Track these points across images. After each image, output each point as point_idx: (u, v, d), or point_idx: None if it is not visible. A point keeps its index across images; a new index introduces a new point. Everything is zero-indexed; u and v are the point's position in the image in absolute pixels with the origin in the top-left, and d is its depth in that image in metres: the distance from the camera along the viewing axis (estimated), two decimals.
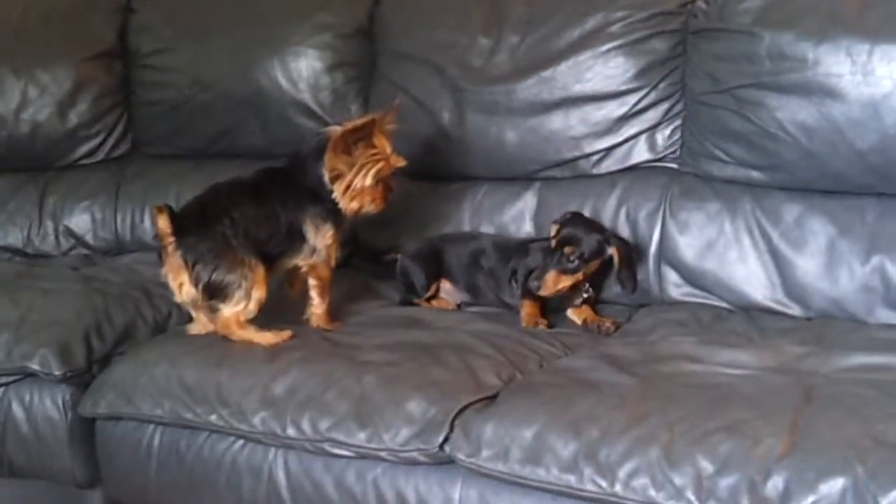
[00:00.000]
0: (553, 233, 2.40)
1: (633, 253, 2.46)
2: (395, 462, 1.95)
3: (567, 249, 2.35)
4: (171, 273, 2.23)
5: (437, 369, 2.08)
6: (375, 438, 1.96)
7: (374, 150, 2.29)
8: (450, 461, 1.91)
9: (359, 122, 2.29)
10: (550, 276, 2.36)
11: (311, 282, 2.35)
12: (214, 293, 2.22)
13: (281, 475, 2.07)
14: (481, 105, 2.66)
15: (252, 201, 2.27)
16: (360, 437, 1.97)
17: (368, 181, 2.29)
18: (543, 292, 2.36)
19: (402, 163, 2.34)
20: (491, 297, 2.53)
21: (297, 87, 2.94)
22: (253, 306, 2.23)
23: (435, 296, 2.57)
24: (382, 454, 1.95)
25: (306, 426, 2.02)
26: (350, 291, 2.59)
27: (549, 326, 2.39)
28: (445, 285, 2.58)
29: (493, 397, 1.98)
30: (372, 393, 2.02)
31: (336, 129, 2.30)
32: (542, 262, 2.38)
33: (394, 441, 1.94)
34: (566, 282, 2.37)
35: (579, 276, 2.38)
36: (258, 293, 2.23)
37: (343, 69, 2.94)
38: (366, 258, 2.76)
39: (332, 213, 2.31)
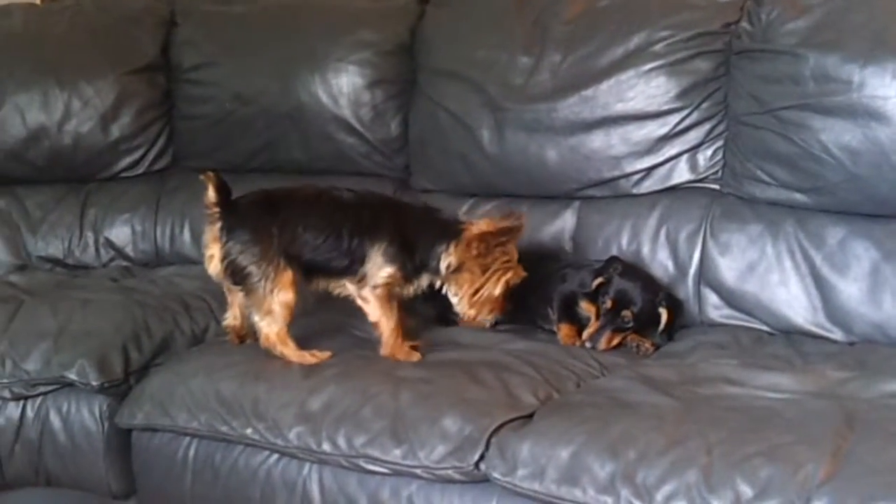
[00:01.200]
0: (596, 284, 2.38)
1: (680, 311, 2.45)
2: (430, 479, 1.94)
3: (625, 314, 2.35)
4: (208, 241, 2.26)
5: (473, 387, 2.07)
6: (410, 455, 1.95)
7: (507, 257, 2.24)
8: (485, 479, 1.90)
9: (505, 224, 2.22)
10: (606, 336, 2.36)
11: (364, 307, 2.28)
12: (237, 276, 2.22)
13: (315, 490, 2.06)
14: (521, 123, 2.66)
15: (325, 217, 2.24)
16: (396, 454, 1.96)
17: (498, 290, 2.25)
18: (597, 349, 2.35)
19: (524, 274, 2.28)
20: (524, 318, 2.52)
21: (338, 103, 2.95)
22: (279, 308, 2.20)
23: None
24: (417, 471, 1.94)
25: (342, 442, 2.02)
26: None
27: (582, 346, 2.37)
28: None
29: (530, 416, 1.97)
30: (408, 409, 2.01)
31: (477, 225, 2.23)
32: (602, 323, 2.36)
33: (429, 458, 1.93)
34: (619, 338, 2.37)
35: (631, 333, 2.38)
36: (284, 295, 2.20)
37: (383, 86, 2.94)
38: None
39: (402, 259, 2.23)
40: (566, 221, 2.67)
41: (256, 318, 2.24)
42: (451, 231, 2.23)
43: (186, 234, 3.07)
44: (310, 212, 2.24)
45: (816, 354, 2.23)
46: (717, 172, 2.54)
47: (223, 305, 2.40)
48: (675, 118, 2.53)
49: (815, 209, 2.39)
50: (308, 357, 2.24)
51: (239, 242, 2.20)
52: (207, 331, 2.54)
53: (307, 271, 2.24)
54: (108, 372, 2.31)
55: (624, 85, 2.55)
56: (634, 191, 2.60)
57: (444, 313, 2.53)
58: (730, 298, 2.46)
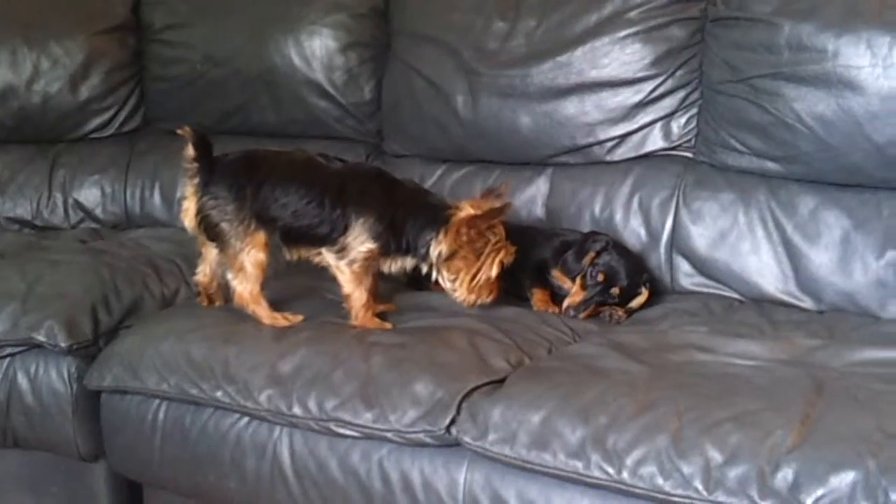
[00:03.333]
0: (588, 260, 2.39)
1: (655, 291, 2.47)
2: (400, 443, 1.94)
3: (614, 290, 2.36)
4: (185, 195, 2.26)
5: (445, 351, 2.07)
6: (382, 419, 1.95)
7: (497, 238, 2.23)
8: (456, 444, 1.90)
9: (492, 205, 2.20)
10: (591, 309, 2.37)
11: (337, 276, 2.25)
12: (210, 232, 2.22)
13: (285, 454, 2.06)
14: (496, 89, 2.64)
15: (307, 183, 2.20)
16: (367, 418, 1.96)
17: (494, 272, 2.23)
18: (578, 318, 2.36)
19: (514, 251, 2.26)
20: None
21: (311, 66, 2.92)
22: (250, 268, 2.19)
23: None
24: (388, 435, 1.94)
25: (312, 405, 2.01)
26: None
27: (561, 312, 2.38)
28: None
29: (501, 381, 1.97)
30: (379, 374, 2.00)
31: (464, 209, 2.21)
32: (589, 295, 2.37)
33: (400, 422, 1.93)
34: (599, 309, 2.38)
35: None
36: (255, 255, 2.19)
37: (357, 49, 2.92)
38: None
39: (385, 238, 2.20)
40: (539, 188, 2.67)
41: (230, 275, 2.24)
42: (439, 217, 2.21)
43: (157, 197, 3.05)
44: (291, 176, 2.22)
45: (786, 322, 2.24)
46: (690, 140, 2.54)
47: (193, 268, 2.39)
48: (649, 85, 2.53)
49: (788, 178, 2.39)
50: (280, 319, 2.23)
51: (213, 198, 2.20)
52: (178, 294, 2.52)
53: (285, 236, 2.22)
54: (77, 334, 2.29)
55: (598, 51, 2.54)
56: (608, 158, 2.59)
57: (416, 277, 2.52)
58: (701, 266, 2.46)
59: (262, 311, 2.23)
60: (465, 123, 2.70)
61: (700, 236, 2.46)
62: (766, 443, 1.66)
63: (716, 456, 1.67)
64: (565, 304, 2.39)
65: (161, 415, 2.20)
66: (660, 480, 1.69)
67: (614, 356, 2.03)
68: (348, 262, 2.21)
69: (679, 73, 2.52)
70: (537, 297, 2.42)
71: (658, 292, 2.48)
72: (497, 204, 2.20)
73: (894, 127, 2.21)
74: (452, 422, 1.90)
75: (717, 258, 2.44)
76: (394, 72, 2.85)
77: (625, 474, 1.71)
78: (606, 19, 2.55)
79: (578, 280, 2.40)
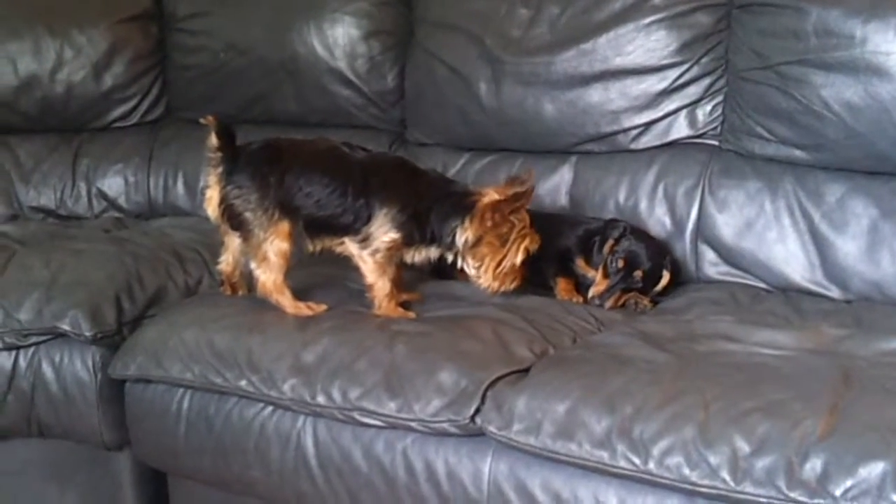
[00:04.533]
0: (608, 247, 2.38)
1: (679, 274, 2.46)
2: (425, 433, 1.93)
3: (637, 273, 2.35)
4: (209, 184, 2.24)
5: (469, 341, 2.06)
6: (406, 408, 1.94)
7: (522, 224, 2.20)
8: (480, 433, 1.89)
9: (516, 189, 2.16)
10: (616, 295, 2.35)
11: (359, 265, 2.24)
12: (233, 221, 2.21)
13: (309, 443, 2.06)
14: (519, 76, 2.63)
15: (331, 173, 2.19)
16: (391, 407, 1.95)
17: (519, 258, 2.21)
18: (605, 307, 2.35)
19: (538, 238, 2.24)
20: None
21: (333, 55, 2.92)
22: (274, 257, 2.18)
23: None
24: (413, 424, 1.94)
25: (336, 394, 2.00)
26: None
27: (586, 301, 2.37)
28: None
29: (526, 371, 1.96)
30: (403, 363, 2.00)
31: (488, 194, 2.18)
32: (613, 282, 2.36)
33: (424, 411, 1.92)
34: (625, 298, 2.37)
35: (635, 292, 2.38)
36: (279, 245, 2.17)
37: (380, 37, 2.91)
38: None
39: (409, 228, 2.19)
40: (563, 176, 2.65)
41: (253, 265, 2.23)
42: (463, 204, 2.18)
43: (180, 186, 3.06)
44: (314, 165, 2.20)
45: (814, 312, 2.22)
46: (716, 128, 2.52)
47: (216, 257, 2.38)
48: (674, 73, 2.51)
49: (815, 166, 2.37)
50: (304, 308, 2.22)
51: (237, 187, 2.18)
52: (201, 282, 2.52)
53: (308, 225, 2.21)
54: (101, 322, 2.29)
55: (623, 38, 2.52)
56: (632, 146, 2.58)
57: (440, 266, 2.51)
58: (727, 255, 2.44)
59: (286, 301, 2.22)
60: (489, 111, 2.69)
61: (726, 225, 2.44)
62: (795, 433, 1.64)
63: (743, 446, 1.65)
64: (590, 293, 2.38)
65: (185, 404, 2.20)
66: (686, 471, 1.67)
67: (639, 345, 2.02)
68: (371, 251, 2.20)
69: (704, 60, 2.50)
70: (562, 286, 2.41)
71: (683, 281, 2.47)
72: (522, 188, 2.18)
73: None
74: (477, 411, 1.88)
75: (743, 247, 2.42)
76: (416, 60, 2.84)
77: (651, 464, 1.70)
78: (631, 6, 2.53)
79: (601, 268, 2.39)
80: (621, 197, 2.56)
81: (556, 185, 2.65)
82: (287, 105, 2.99)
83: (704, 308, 2.27)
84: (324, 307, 2.24)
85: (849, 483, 1.57)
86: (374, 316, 2.21)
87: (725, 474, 1.64)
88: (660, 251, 2.42)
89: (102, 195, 3.07)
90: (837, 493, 1.57)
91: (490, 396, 1.89)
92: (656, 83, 2.52)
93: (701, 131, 2.53)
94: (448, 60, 2.74)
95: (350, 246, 2.22)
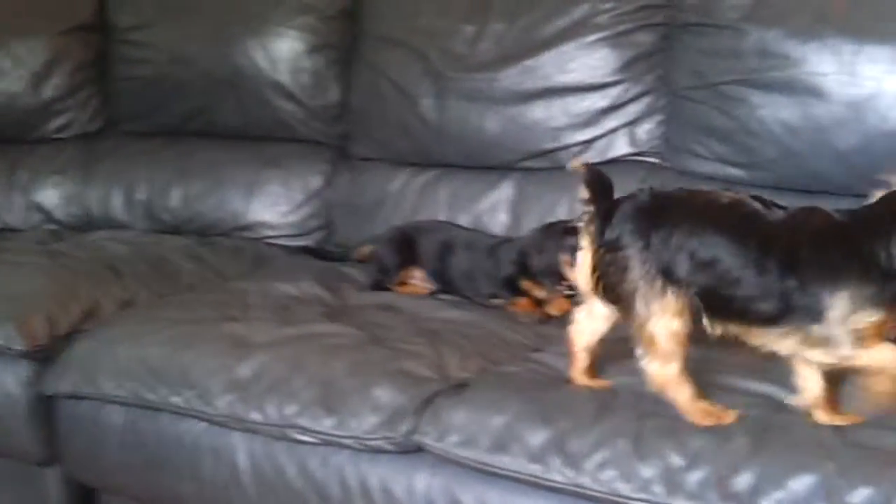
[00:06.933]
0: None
1: None
2: (360, 450, 1.92)
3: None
4: (582, 245, 1.81)
5: (408, 356, 2.04)
6: (342, 426, 1.92)
7: None
8: (416, 449, 1.88)
9: None
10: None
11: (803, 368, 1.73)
12: (608, 294, 1.78)
13: (243, 459, 2.03)
14: (463, 92, 2.63)
15: (739, 237, 1.67)
16: (327, 424, 1.93)
17: None
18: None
19: None
20: (460, 289, 2.49)
21: (277, 68, 2.90)
22: (663, 342, 1.70)
23: (406, 282, 2.53)
24: (348, 441, 1.92)
25: (272, 411, 1.98)
26: (320, 275, 2.55)
27: (544, 317, 2.34)
28: (417, 273, 2.54)
29: (464, 386, 1.95)
30: (340, 379, 1.98)
31: None
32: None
33: (360, 428, 1.90)
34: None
35: None
36: (667, 324, 1.70)
37: (324, 51, 2.89)
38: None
39: (881, 293, 1.60)
40: (504, 192, 2.65)
41: (638, 351, 1.75)
42: None
43: (118, 198, 3.01)
44: (714, 225, 1.69)
45: None
46: (656, 146, 2.52)
47: (155, 272, 2.35)
48: (615, 91, 2.52)
49: (752, 184, 2.36)
50: (713, 415, 1.73)
51: (612, 251, 1.75)
52: (136, 297, 2.47)
53: (707, 302, 1.70)
54: (33, 337, 2.25)
55: (566, 56, 2.53)
56: None
57: (378, 279, 2.51)
58: None
59: (684, 400, 1.74)
60: (432, 127, 2.69)
61: None
62: (727, 447, 1.65)
63: (677, 460, 1.65)
64: (553, 312, 2.35)
65: (118, 419, 2.17)
66: (619, 484, 1.67)
67: None
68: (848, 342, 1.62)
69: (646, 78, 2.51)
70: (521, 303, 2.39)
71: None
72: None
73: (858, 134, 2.21)
74: (413, 427, 1.87)
75: None
76: (361, 75, 2.83)
77: (585, 478, 1.70)
78: (574, 24, 2.54)
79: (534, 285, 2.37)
80: (562, 213, 2.55)
81: (497, 202, 2.65)
82: (229, 118, 2.97)
83: None
84: (733, 416, 1.73)
85: (779, 496, 1.58)
86: (310, 329, 2.17)
87: (657, 488, 1.64)
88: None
89: (38, 207, 3.02)
90: None
91: (427, 412, 1.88)
92: (598, 101, 2.53)
93: (641, 149, 2.54)
94: (392, 76, 2.73)
95: (784, 343, 1.68)
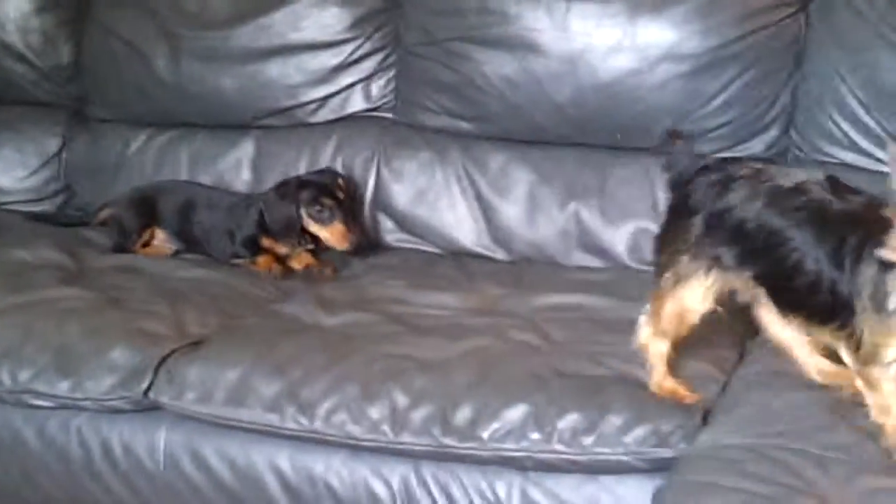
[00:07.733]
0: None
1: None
2: (98, 410, 1.93)
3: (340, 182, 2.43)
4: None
5: (146, 317, 2.06)
6: (78, 388, 1.93)
7: None
8: (155, 407, 1.91)
9: None
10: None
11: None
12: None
13: None
14: (197, 51, 2.62)
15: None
16: (62, 388, 1.94)
17: None
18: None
19: None
20: (204, 249, 2.51)
21: (5, 29, 2.80)
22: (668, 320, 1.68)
23: (149, 243, 2.52)
24: (85, 403, 1.93)
25: (4, 377, 1.97)
26: (59, 240, 2.51)
27: (286, 272, 2.40)
28: (160, 234, 2.54)
29: (201, 342, 1.99)
30: (75, 342, 1.99)
31: None
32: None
33: (97, 390, 1.92)
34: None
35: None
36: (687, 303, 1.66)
37: (54, 11, 2.81)
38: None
39: None
40: (245, 150, 2.66)
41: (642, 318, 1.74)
42: None
43: None
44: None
45: (480, 274, 2.34)
46: (389, 102, 2.60)
47: None
48: (348, 48, 2.57)
49: (480, 136, 2.50)
50: (675, 393, 1.72)
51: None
52: None
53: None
54: None
55: (298, 14, 2.56)
56: (311, 120, 2.62)
57: (119, 242, 2.49)
58: (403, 223, 2.54)
59: (657, 375, 1.74)
60: (168, 87, 2.67)
61: (400, 194, 2.53)
62: (448, 384, 1.77)
63: (402, 399, 1.76)
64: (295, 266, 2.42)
65: None
66: (350, 427, 1.77)
67: (314, 312, 2.09)
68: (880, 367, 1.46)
69: (377, 35, 2.57)
70: (261, 260, 2.43)
71: (364, 249, 2.54)
72: None
73: (572, 87, 2.35)
74: (150, 386, 1.90)
75: (417, 215, 2.52)
76: (92, 34, 2.76)
77: (318, 424, 1.78)
78: None
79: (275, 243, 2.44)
80: (302, 169, 2.59)
81: (238, 160, 2.66)
82: None
83: (380, 274, 2.36)
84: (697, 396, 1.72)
85: (495, 426, 1.71)
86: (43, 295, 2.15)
87: (386, 427, 1.75)
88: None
89: None
90: (485, 435, 1.70)
91: (162, 370, 1.91)
92: (331, 58, 2.58)
93: (376, 105, 2.61)
94: (125, 35, 2.69)
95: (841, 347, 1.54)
